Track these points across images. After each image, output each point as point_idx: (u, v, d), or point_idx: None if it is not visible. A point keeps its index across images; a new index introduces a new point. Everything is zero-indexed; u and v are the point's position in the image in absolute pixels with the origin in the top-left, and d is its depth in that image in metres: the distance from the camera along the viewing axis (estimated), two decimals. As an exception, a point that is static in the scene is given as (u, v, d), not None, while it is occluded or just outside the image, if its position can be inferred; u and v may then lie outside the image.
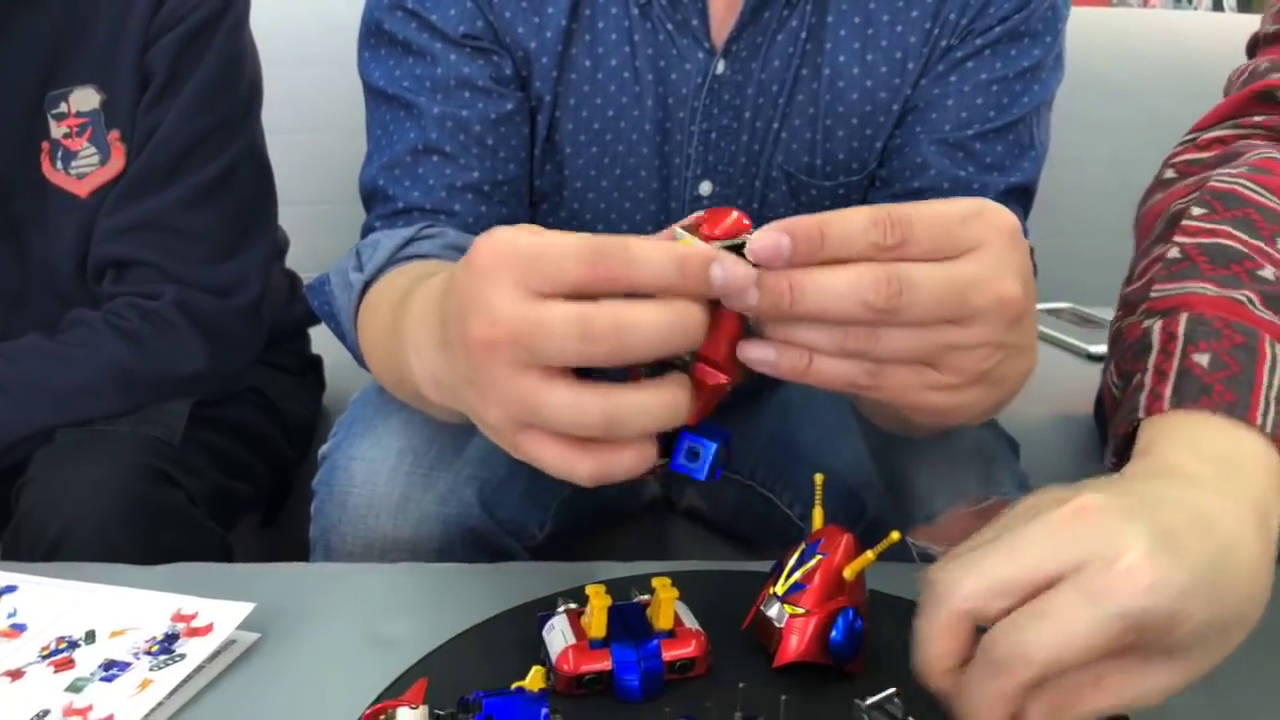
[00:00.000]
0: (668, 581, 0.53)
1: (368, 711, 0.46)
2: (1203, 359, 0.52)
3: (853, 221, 0.42)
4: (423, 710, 0.45)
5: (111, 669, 0.53)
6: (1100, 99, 1.65)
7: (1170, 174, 0.72)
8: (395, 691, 0.50)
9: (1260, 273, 0.56)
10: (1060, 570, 0.40)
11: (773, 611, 0.52)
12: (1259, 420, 0.49)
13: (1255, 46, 0.79)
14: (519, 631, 0.55)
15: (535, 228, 0.42)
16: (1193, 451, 0.48)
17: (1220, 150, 0.70)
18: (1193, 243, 0.59)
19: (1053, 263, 1.65)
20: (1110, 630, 0.39)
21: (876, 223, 0.42)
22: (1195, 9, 2.51)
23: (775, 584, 0.53)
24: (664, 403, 0.42)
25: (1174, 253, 0.60)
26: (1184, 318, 0.54)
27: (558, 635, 0.52)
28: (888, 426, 0.73)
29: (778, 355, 0.44)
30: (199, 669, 0.54)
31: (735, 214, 0.44)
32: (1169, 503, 0.43)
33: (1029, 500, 0.45)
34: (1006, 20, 0.74)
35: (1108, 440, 0.57)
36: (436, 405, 0.51)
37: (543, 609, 0.55)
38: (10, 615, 0.58)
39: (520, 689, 0.47)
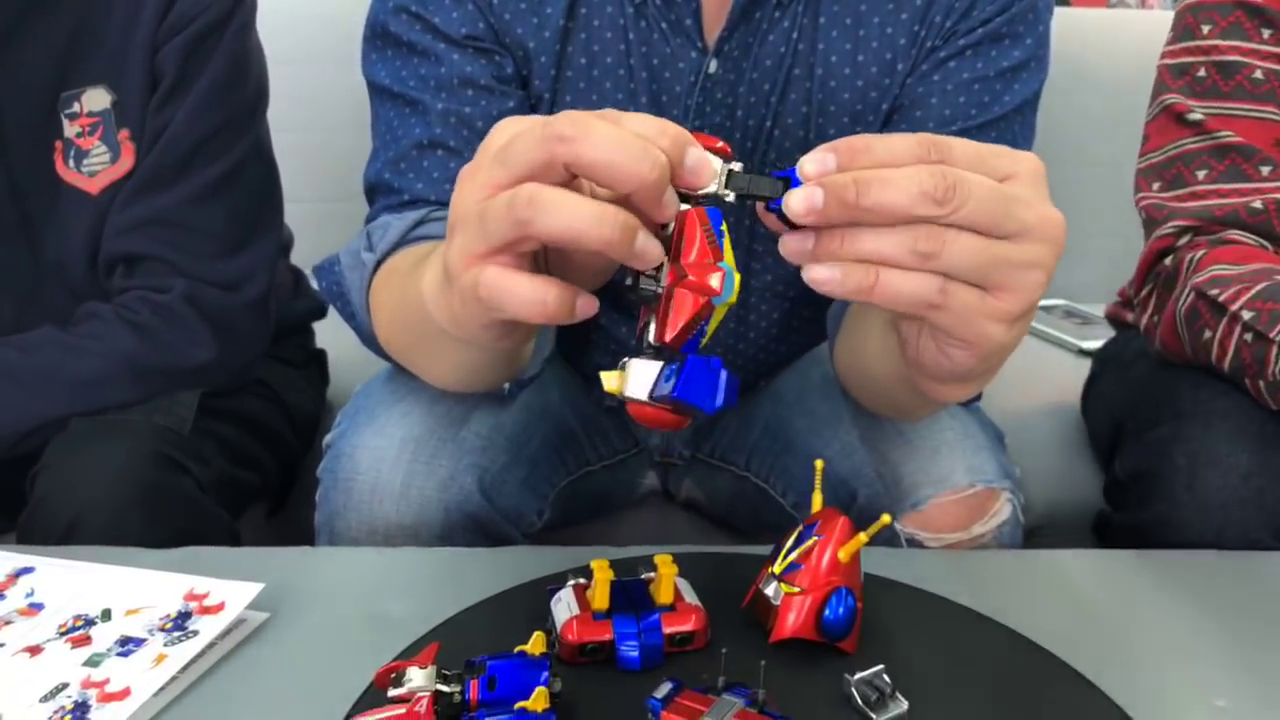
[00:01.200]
0: (669, 558, 0.56)
1: (381, 670, 0.49)
2: None
3: (897, 141, 0.44)
4: (431, 670, 0.48)
5: (127, 645, 0.56)
6: (1096, 99, 1.66)
7: (1135, 319, 0.99)
8: (409, 654, 0.53)
9: None
10: None
11: (770, 590, 0.55)
12: None
13: (1157, 87, 0.96)
14: (528, 604, 0.58)
15: (510, 120, 0.47)
16: None
17: (1155, 297, 0.94)
18: (1251, 299, 0.79)
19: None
20: None
21: (920, 142, 0.44)
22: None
23: (774, 564, 0.56)
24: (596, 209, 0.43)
25: (1248, 315, 0.79)
26: None
27: (564, 606, 0.55)
28: (885, 410, 0.75)
29: (844, 273, 0.45)
30: (211, 645, 0.56)
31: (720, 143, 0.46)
32: None
33: None
34: (989, 22, 0.76)
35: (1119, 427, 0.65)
36: (435, 333, 0.54)
37: (552, 583, 0.58)
38: (28, 595, 0.61)
39: (522, 652, 0.50)
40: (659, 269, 0.45)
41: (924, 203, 0.43)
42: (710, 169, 0.44)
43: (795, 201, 0.44)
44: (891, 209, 0.43)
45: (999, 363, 0.52)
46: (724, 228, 0.45)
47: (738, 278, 0.44)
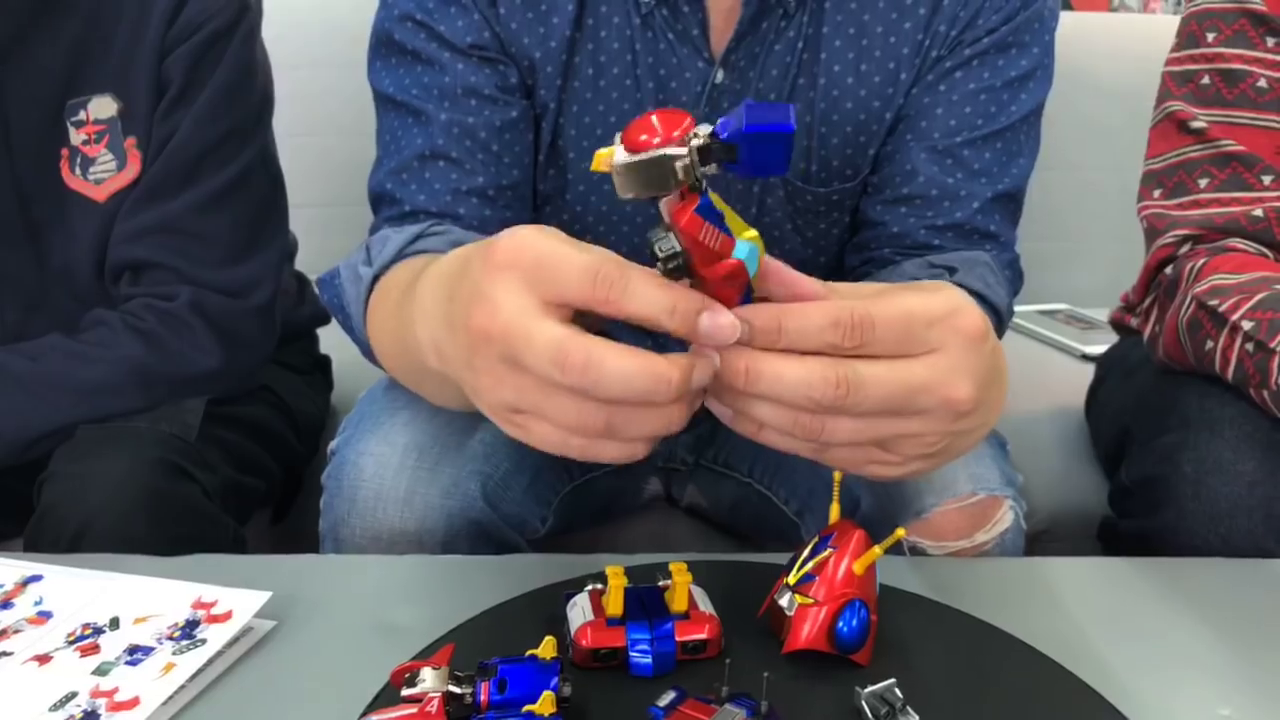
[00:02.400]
0: (683, 566, 0.56)
1: (397, 669, 0.49)
2: None
3: (812, 319, 0.44)
4: (444, 671, 0.49)
5: (136, 653, 0.56)
6: (1100, 103, 1.67)
7: (1146, 328, 0.99)
8: (425, 655, 0.53)
9: None
10: None
11: (784, 600, 0.55)
12: None
13: (1161, 95, 0.97)
14: (542, 609, 0.58)
15: (557, 232, 0.44)
16: None
17: (1160, 305, 0.95)
18: (1251, 309, 0.79)
19: (1050, 264, 1.69)
20: None
21: (837, 324, 0.44)
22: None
23: (789, 575, 0.56)
24: (662, 416, 0.44)
25: (1249, 325, 0.79)
26: None
27: (579, 611, 0.56)
28: None
29: (734, 418, 0.48)
30: (219, 654, 0.56)
31: (687, 119, 0.42)
32: None
33: None
34: (994, 32, 0.77)
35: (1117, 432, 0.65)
36: (438, 376, 0.54)
37: (570, 589, 0.58)
38: (37, 603, 0.61)
39: (533, 656, 0.50)
40: (676, 253, 0.43)
41: (810, 405, 0.44)
42: (729, 329, 0.43)
43: (704, 332, 0.44)
44: (776, 399, 0.45)
45: (950, 458, 0.51)
46: (714, 201, 0.43)
47: (754, 237, 0.44)
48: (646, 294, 0.43)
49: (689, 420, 0.46)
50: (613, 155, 0.42)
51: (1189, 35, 0.94)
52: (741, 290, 0.45)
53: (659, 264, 0.43)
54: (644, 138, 0.41)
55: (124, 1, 0.89)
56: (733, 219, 0.44)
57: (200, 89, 0.90)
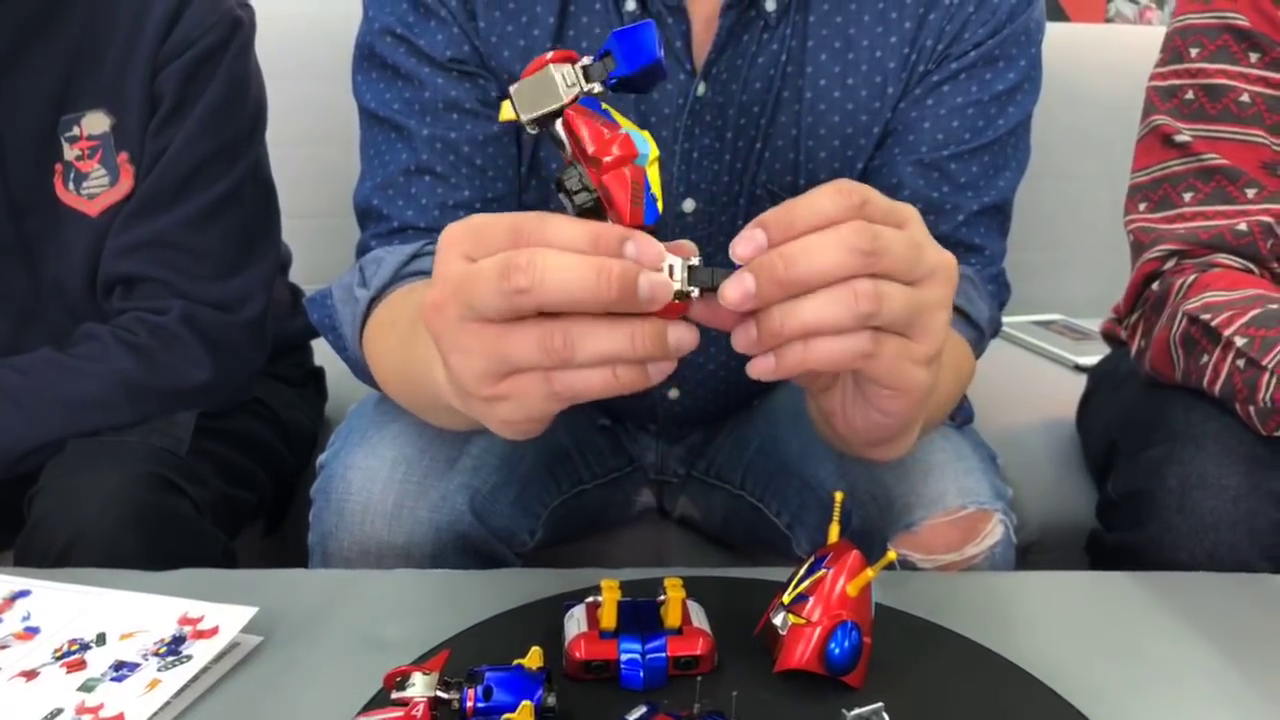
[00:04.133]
0: (678, 582, 0.57)
1: (390, 672, 0.50)
2: None
3: (820, 199, 0.46)
4: (434, 676, 0.50)
5: (121, 670, 0.56)
6: (1095, 114, 1.67)
7: (1138, 343, 0.96)
8: (420, 661, 0.54)
9: None
10: None
11: (778, 619, 0.55)
12: None
13: (1146, 108, 0.97)
14: (539, 622, 0.59)
15: (488, 214, 0.46)
16: None
17: (1148, 322, 0.93)
18: (1244, 325, 0.79)
19: (1044, 275, 1.69)
20: None
21: (840, 191, 0.46)
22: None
23: (785, 593, 0.56)
24: (622, 331, 0.44)
25: (1241, 341, 0.80)
26: None
27: (574, 623, 0.56)
28: (851, 450, 0.76)
29: (777, 358, 0.46)
30: (205, 670, 0.56)
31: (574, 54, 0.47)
32: None
33: None
34: (981, 45, 0.77)
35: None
36: (452, 409, 0.54)
37: (571, 600, 0.59)
38: (24, 618, 0.61)
39: (519, 665, 0.51)
40: (585, 184, 0.46)
41: (854, 258, 0.45)
42: (665, 289, 0.44)
43: (730, 292, 0.45)
44: (822, 274, 0.45)
45: (923, 411, 0.53)
46: (604, 106, 0.46)
47: (645, 134, 0.45)
48: (565, 229, 0.44)
49: (668, 372, 0.46)
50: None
51: (1173, 50, 0.95)
52: (639, 185, 0.45)
53: (565, 197, 0.46)
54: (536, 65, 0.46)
55: (117, 18, 0.89)
56: (622, 119, 0.46)
57: (193, 105, 0.91)
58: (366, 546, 0.73)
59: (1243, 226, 0.88)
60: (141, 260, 0.91)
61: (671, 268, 0.45)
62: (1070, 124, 1.64)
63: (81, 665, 0.57)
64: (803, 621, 0.54)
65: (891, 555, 0.53)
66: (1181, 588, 0.69)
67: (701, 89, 0.78)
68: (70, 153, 0.91)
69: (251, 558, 1.01)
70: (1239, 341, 0.80)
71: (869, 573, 0.54)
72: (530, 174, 0.81)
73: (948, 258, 0.49)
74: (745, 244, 0.46)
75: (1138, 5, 2.61)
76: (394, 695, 0.49)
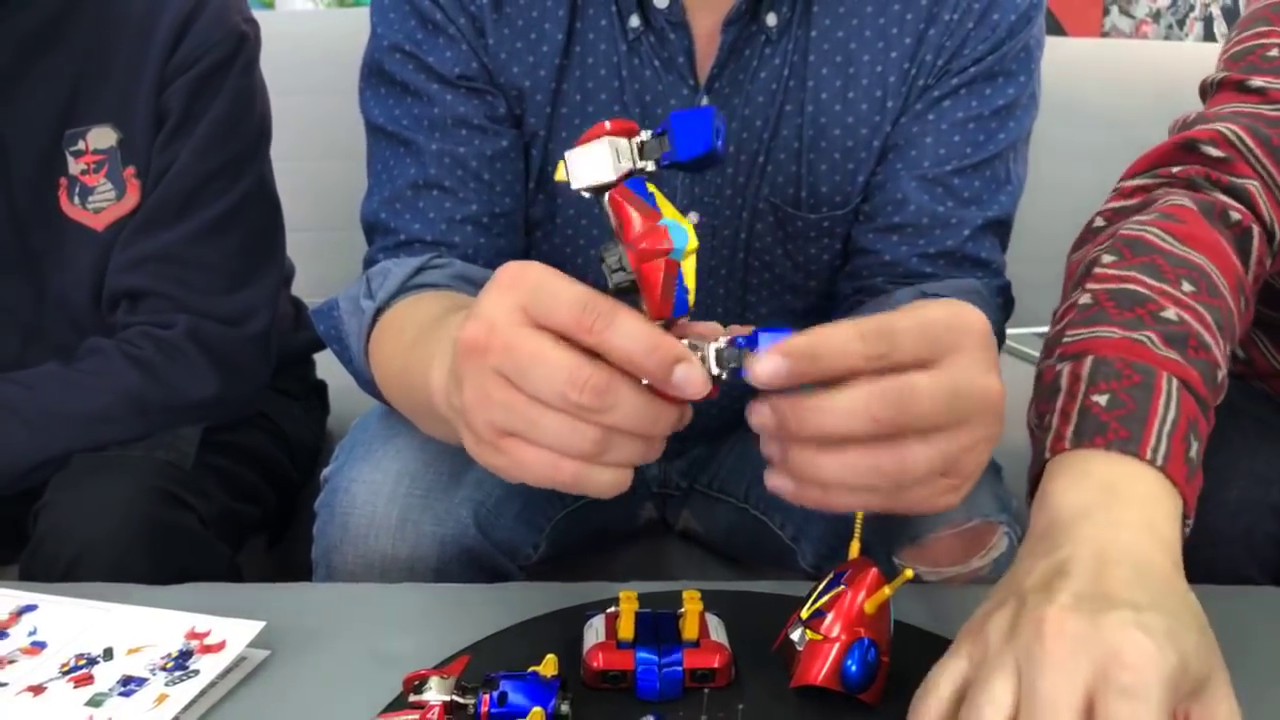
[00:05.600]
0: (696, 595, 0.57)
1: (410, 675, 0.52)
2: (1101, 399, 0.54)
3: (837, 335, 0.44)
4: (451, 681, 0.51)
5: (129, 684, 0.56)
6: (1092, 128, 1.67)
7: (1100, 222, 0.74)
8: (441, 666, 0.55)
9: (1163, 314, 0.58)
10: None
11: (795, 635, 0.55)
12: (1148, 455, 0.51)
13: (1205, 93, 0.81)
14: (561, 632, 0.59)
15: (555, 271, 0.46)
16: (1079, 485, 0.51)
17: (1142, 198, 0.72)
18: (1102, 289, 0.62)
19: (1042, 288, 1.67)
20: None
21: (862, 335, 0.44)
22: (1186, 37, 2.54)
23: (803, 609, 0.56)
24: (652, 444, 0.45)
25: (1085, 299, 0.62)
26: (1089, 360, 0.56)
27: (592, 632, 0.57)
28: None
29: (796, 490, 0.47)
30: (212, 684, 0.56)
31: (635, 126, 0.48)
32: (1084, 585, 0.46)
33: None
34: (981, 61, 0.77)
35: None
36: (441, 418, 0.54)
37: (592, 609, 0.59)
38: (31, 633, 0.61)
39: (534, 673, 0.52)
40: (624, 265, 0.46)
41: (871, 426, 0.44)
42: (699, 381, 0.44)
43: (754, 417, 0.46)
44: (836, 434, 0.45)
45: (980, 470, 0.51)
46: (650, 189, 0.47)
47: (686, 224, 0.46)
48: (631, 328, 0.44)
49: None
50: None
51: (1260, 19, 0.80)
52: (671, 278, 0.45)
53: (606, 270, 0.46)
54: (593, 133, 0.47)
55: (122, 33, 0.90)
56: (666, 206, 0.46)
57: (199, 120, 0.91)
58: (370, 560, 0.73)
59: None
60: (147, 275, 0.91)
61: (704, 357, 0.45)
62: (1067, 137, 1.64)
63: (89, 680, 0.57)
64: (820, 638, 0.54)
65: (909, 574, 0.53)
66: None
67: (704, 103, 0.78)
68: (75, 167, 0.91)
69: (255, 572, 1.01)
70: (1083, 299, 0.65)
71: (885, 590, 0.54)
72: (537, 188, 0.81)
73: (992, 390, 0.46)
74: (767, 372, 0.44)
75: (1134, 19, 2.62)
76: (410, 699, 0.51)
